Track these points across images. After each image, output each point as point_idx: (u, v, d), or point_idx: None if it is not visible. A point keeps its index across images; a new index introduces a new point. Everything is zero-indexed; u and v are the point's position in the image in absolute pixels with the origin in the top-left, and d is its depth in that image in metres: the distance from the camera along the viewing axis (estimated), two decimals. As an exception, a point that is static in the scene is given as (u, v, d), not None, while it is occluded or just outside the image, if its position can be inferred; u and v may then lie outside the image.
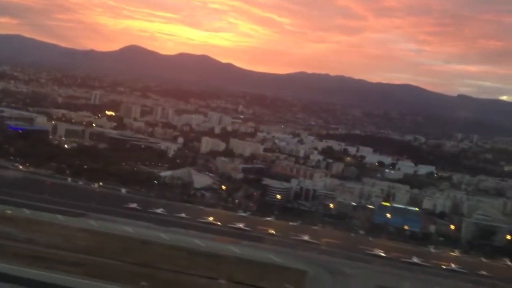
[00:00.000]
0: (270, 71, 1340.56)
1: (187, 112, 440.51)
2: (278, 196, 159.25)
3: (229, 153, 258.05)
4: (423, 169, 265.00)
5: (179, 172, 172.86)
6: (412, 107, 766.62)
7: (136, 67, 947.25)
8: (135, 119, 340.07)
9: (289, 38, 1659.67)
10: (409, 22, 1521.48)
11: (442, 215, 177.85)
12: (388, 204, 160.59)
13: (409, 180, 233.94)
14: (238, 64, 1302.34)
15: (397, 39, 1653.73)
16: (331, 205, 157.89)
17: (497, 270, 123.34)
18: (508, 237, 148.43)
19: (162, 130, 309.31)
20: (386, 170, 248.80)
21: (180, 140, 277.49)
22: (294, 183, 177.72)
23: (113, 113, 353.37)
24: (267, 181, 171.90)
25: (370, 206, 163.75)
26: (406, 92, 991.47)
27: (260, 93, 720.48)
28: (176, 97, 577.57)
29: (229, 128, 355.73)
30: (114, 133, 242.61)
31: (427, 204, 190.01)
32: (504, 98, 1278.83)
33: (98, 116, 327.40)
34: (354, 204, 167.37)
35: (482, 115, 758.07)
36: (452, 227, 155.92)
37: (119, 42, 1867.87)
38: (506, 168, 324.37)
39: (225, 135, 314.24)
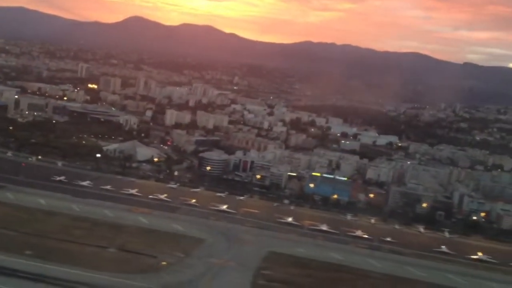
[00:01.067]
0: (275, 41, 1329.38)
1: (176, 84, 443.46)
2: (208, 168, 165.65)
3: (192, 126, 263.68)
4: (385, 139, 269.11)
5: (124, 145, 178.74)
6: (416, 76, 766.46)
7: (138, 38, 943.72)
8: (113, 92, 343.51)
9: (294, 6, 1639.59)
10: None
11: (381, 184, 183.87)
12: (318, 174, 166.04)
13: (364, 151, 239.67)
14: (243, 34, 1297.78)
15: (403, 6, 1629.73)
16: (265, 176, 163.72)
17: (404, 237, 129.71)
18: (424, 205, 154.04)
19: (135, 103, 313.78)
20: (343, 141, 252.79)
21: (149, 113, 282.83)
22: (238, 155, 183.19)
23: (95, 86, 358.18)
24: (206, 153, 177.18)
25: (306, 177, 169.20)
26: (413, 60, 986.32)
27: (258, 64, 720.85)
28: (170, 69, 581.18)
29: (204, 101, 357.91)
30: (77, 106, 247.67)
31: (370, 173, 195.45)
32: None
33: (77, 89, 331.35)
34: (292, 174, 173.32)
35: (486, 83, 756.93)
36: (380, 195, 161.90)
37: (123, 13, 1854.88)
38: (478, 137, 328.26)
39: (198, 108, 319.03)
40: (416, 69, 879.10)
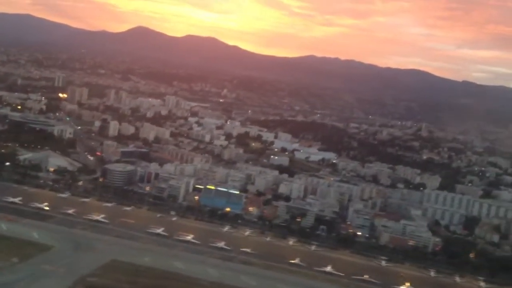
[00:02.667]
0: (278, 54, 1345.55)
1: (161, 95, 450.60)
2: (111, 179, 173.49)
3: (134, 137, 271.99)
4: (320, 156, 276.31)
5: (37, 155, 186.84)
6: (413, 93, 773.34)
7: (142, 48, 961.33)
8: (78, 102, 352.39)
9: (298, 21, 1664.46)
10: (417, 6, 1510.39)
11: (287, 199, 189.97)
12: (212, 187, 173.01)
13: (291, 166, 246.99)
14: (246, 47, 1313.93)
15: (406, 23, 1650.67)
16: (163, 188, 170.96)
17: (265, 248, 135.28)
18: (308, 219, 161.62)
19: (91, 113, 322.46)
20: (272, 156, 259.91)
21: (97, 123, 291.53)
22: (145, 167, 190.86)
23: (65, 96, 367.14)
24: (111, 165, 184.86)
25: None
26: (413, 77, 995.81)
27: (258, 76, 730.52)
28: (158, 80, 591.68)
29: (164, 112, 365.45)
30: (17, 115, 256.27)
31: (283, 188, 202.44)
32: None
33: (43, 99, 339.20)
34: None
35: (483, 102, 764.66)
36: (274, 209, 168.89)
37: (131, 23, 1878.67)
38: (425, 156, 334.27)
39: (157, 119, 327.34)
40: (414, 86, 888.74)
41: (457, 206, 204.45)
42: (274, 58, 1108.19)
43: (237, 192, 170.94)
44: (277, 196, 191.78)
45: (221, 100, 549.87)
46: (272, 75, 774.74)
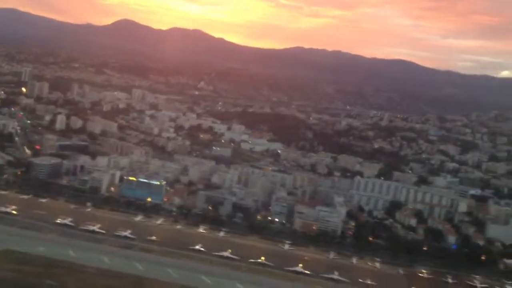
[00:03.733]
0: (265, 46, 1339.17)
1: (126, 89, 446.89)
2: (35, 172, 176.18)
3: (80, 131, 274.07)
4: (265, 146, 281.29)
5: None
6: (397, 83, 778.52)
7: (126, 42, 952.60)
8: (37, 96, 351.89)
9: (285, 12, 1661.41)
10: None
11: (217, 188, 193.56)
12: (134, 178, 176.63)
13: (233, 156, 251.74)
14: (233, 39, 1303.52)
15: (393, 14, 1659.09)
16: (86, 180, 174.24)
17: (171, 236, 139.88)
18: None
19: (44, 107, 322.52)
20: (214, 147, 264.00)
21: (48, 118, 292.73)
22: (73, 160, 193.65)
23: (25, 90, 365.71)
24: (36, 158, 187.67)
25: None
26: (398, 67, 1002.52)
27: (229, 68, 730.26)
28: (134, 73, 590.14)
29: (122, 106, 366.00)
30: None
31: (215, 178, 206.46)
32: (505, 73, 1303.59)
33: (2, 93, 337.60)
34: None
35: (467, 91, 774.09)
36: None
37: (115, 16, 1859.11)
38: (376, 145, 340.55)
39: (115, 113, 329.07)
40: (398, 76, 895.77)
41: (385, 193, 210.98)
42: (260, 50, 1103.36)
43: (158, 183, 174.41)
44: (209, 186, 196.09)
45: (196, 93, 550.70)
46: (257, 67, 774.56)
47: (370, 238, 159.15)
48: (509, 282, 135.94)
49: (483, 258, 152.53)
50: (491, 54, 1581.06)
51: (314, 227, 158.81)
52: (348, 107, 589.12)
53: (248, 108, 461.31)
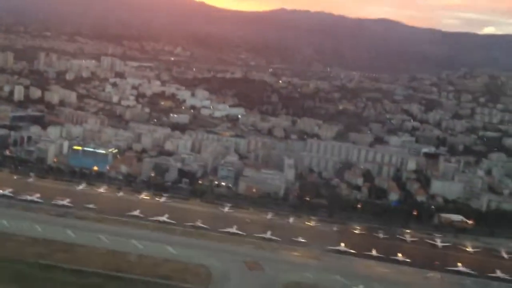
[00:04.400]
0: (247, 9, 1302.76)
1: (99, 56, 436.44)
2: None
3: (38, 101, 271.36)
4: (226, 112, 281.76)
5: None
6: (380, 43, 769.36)
7: (106, 9, 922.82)
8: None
9: None
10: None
11: (169, 155, 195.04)
12: (79, 147, 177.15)
13: (189, 123, 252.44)
14: (214, 2, 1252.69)
15: None
16: (32, 150, 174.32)
17: (111, 203, 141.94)
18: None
19: (4, 78, 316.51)
20: (171, 114, 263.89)
21: (7, 88, 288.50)
22: (23, 131, 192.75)
23: None
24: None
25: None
26: (382, 27, 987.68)
27: (209, 33, 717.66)
28: (107, 41, 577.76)
29: (86, 74, 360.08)
30: None
31: (168, 145, 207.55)
32: (489, 30, 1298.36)
33: None
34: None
35: (450, 49, 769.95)
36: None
37: None
38: (341, 107, 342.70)
39: (74, 82, 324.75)
40: (382, 35, 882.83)
41: (337, 154, 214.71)
42: (242, 13, 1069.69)
43: (104, 151, 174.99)
44: (162, 153, 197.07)
45: (172, 59, 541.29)
46: (238, 31, 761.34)
47: (313, 198, 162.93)
48: (439, 235, 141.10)
49: (420, 213, 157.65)
50: (477, 10, 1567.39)
51: (256, 190, 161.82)
52: (328, 69, 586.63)
53: (219, 73, 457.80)
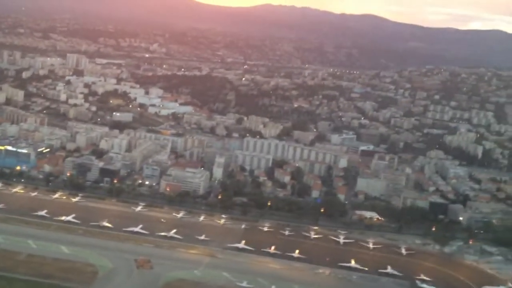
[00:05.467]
0: (232, 4, 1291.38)
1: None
2: None
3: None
4: (174, 110, 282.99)
5: None
6: (362, 39, 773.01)
7: (86, 4, 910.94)
8: None
9: None
10: None
11: (102, 154, 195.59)
12: (2, 147, 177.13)
13: (132, 121, 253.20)
14: None
15: None
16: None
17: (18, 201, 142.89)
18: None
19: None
20: (115, 113, 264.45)
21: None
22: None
23: None
24: None
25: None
26: (366, 23, 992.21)
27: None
28: (83, 37, 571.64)
29: (42, 72, 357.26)
30: None
31: (103, 144, 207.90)
32: (473, 25, 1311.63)
33: None
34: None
35: (431, 44, 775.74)
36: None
37: None
38: (296, 105, 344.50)
39: (27, 81, 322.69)
40: (366, 31, 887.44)
41: (273, 152, 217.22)
42: (228, 8, 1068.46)
43: (26, 151, 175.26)
44: (95, 152, 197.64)
45: (146, 55, 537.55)
46: (220, 27, 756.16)
47: (234, 196, 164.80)
48: (345, 232, 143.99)
49: (336, 210, 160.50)
50: (458, 5, 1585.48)
51: (176, 188, 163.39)
52: (306, 65, 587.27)
53: (189, 70, 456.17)
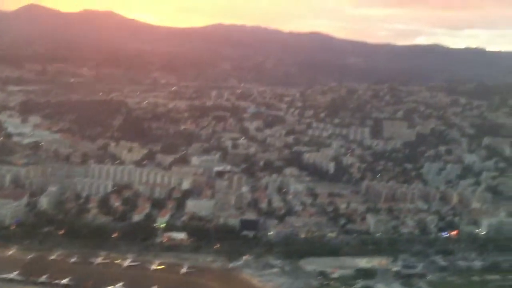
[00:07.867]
0: (183, 25, 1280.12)
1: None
2: None
3: None
4: (40, 137, 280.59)
5: None
6: (304, 57, 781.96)
7: (34, 28, 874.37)
8: None
9: None
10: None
11: None
12: None
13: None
14: (148, 18, 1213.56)
15: None
16: None
17: None
18: None
19: None
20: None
21: None
22: None
23: None
24: None
25: None
26: (312, 40, 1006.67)
27: (128, 50, 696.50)
28: (8, 63, 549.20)
29: None
30: None
31: None
32: (421, 40, 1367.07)
33: None
34: None
35: (371, 61, 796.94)
36: None
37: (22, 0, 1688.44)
38: (183, 127, 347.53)
39: None
40: (310, 49, 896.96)
41: (119, 178, 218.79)
42: (177, 29, 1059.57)
43: None
44: None
45: (71, 80, 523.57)
46: (164, 48, 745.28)
47: (47, 225, 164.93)
48: (133, 255, 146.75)
49: (146, 233, 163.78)
50: (406, 21, 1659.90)
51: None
52: (242, 84, 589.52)
53: (108, 94, 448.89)
